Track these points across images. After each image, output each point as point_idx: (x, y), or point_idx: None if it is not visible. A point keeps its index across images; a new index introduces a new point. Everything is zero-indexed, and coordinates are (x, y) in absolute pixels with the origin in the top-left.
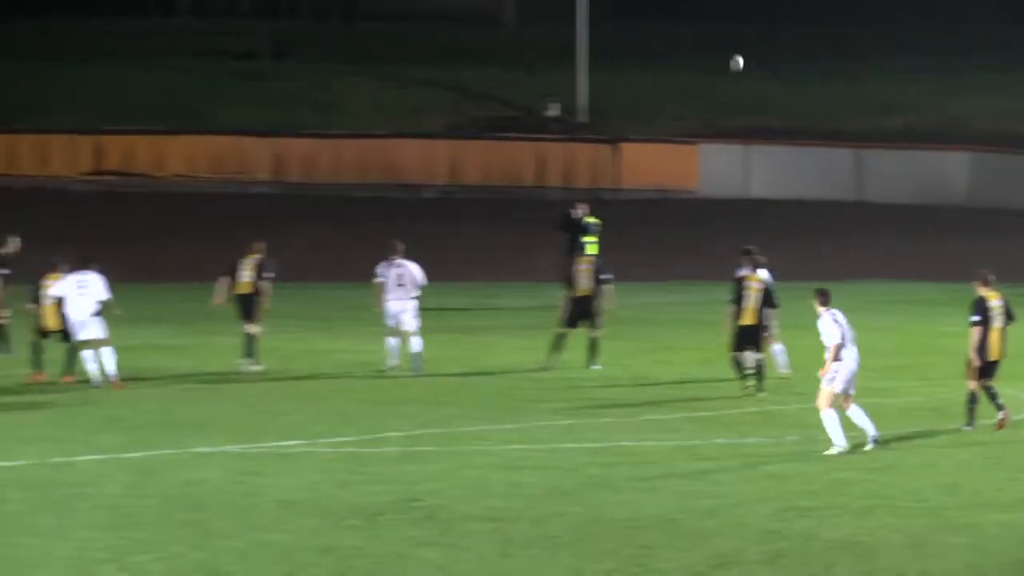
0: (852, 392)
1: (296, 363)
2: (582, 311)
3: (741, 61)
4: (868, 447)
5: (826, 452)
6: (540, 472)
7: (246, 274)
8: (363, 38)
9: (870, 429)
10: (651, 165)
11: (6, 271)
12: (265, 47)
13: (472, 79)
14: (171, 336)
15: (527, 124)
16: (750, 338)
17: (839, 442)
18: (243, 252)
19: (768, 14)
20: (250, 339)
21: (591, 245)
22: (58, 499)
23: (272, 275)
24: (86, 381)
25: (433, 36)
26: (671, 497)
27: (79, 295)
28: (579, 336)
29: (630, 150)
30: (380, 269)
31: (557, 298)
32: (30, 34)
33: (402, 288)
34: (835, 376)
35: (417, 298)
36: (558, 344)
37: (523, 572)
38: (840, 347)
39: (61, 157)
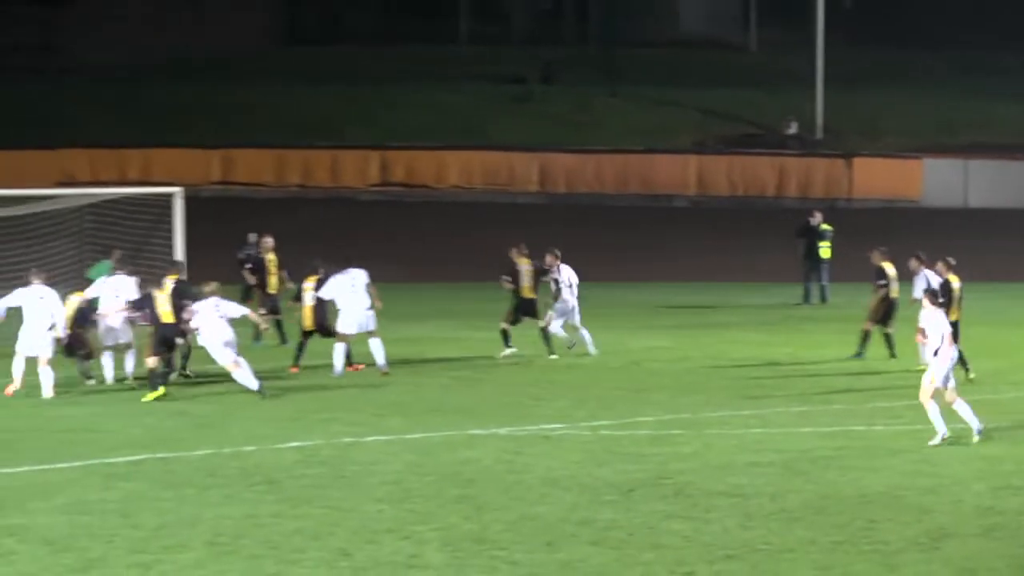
0: (952, 385)
1: (559, 354)
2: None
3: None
4: (974, 439)
5: (930, 442)
6: (777, 453)
7: (526, 278)
8: (620, 64)
9: (975, 424)
10: (880, 178)
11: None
12: (534, 72)
13: (718, 100)
14: (447, 329)
15: (768, 141)
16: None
17: (941, 430)
18: (517, 257)
19: (990, 38)
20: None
21: (824, 249)
22: (347, 475)
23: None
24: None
25: (683, 61)
26: (895, 476)
27: (351, 292)
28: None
29: (861, 164)
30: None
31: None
32: (328, 61)
33: (570, 288)
34: (937, 369)
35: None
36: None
37: (762, 542)
38: (942, 341)
39: (352, 170)
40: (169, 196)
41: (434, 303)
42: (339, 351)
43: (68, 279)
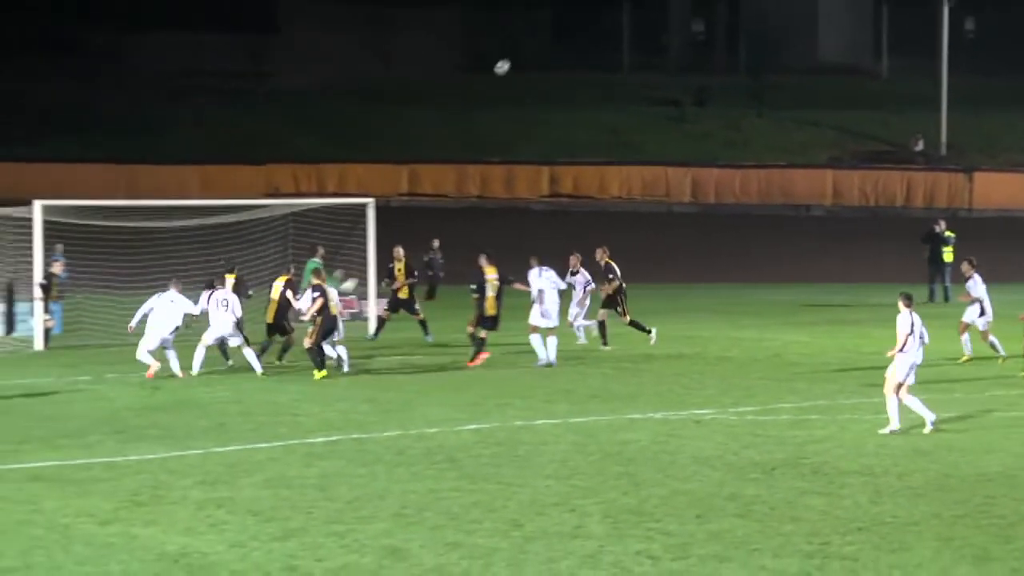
0: (911, 383)
1: (709, 347)
2: None
3: (505, 67)
4: (926, 430)
5: (880, 430)
6: (904, 436)
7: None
8: (765, 88)
9: (928, 418)
10: (997, 190)
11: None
12: (688, 96)
13: (852, 120)
14: (609, 325)
15: (897, 157)
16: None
17: (896, 421)
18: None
19: None
20: None
21: (947, 254)
22: (519, 454)
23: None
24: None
25: (821, 86)
26: (1010, 457)
27: (550, 289)
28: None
29: (981, 178)
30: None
31: None
32: (503, 87)
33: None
34: (899, 365)
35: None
36: None
37: (889, 516)
38: (906, 342)
39: (524, 183)
40: (362, 206)
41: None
42: (537, 341)
43: (273, 276)
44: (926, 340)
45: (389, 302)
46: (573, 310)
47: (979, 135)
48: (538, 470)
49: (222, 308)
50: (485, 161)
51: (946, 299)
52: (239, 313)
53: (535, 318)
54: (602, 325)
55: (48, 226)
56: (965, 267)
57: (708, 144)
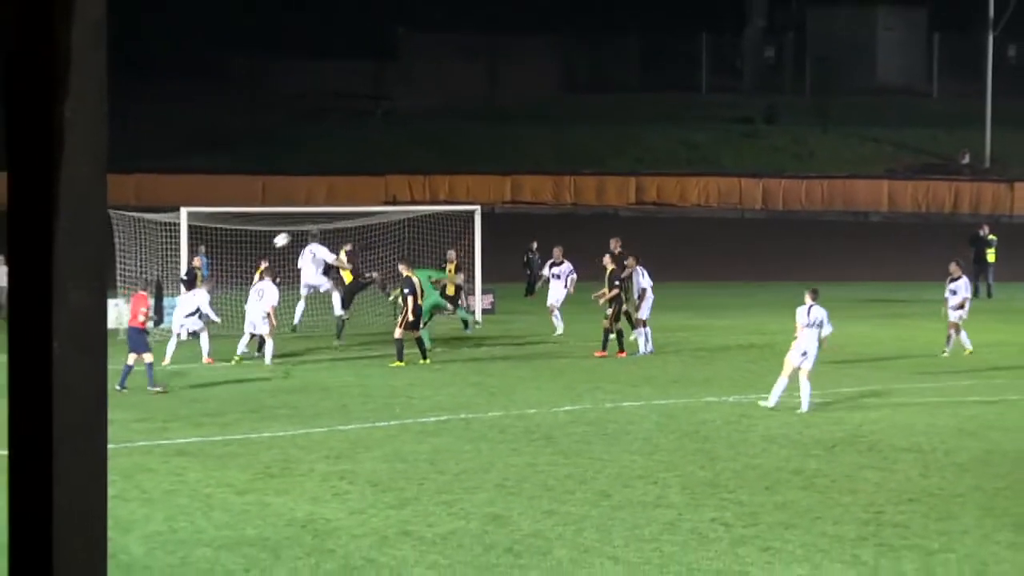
0: (807, 367)
1: (777, 338)
2: None
3: (283, 239)
4: (802, 410)
5: (761, 403)
6: (951, 417)
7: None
8: (829, 107)
9: (804, 403)
10: None
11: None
12: (759, 114)
13: (907, 136)
14: (690, 318)
15: (946, 169)
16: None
17: (772, 399)
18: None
19: None
20: None
21: (991, 255)
22: (608, 433)
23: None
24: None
25: (879, 105)
26: None
27: (650, 286)
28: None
29: (1021, 188)
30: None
31: None
32: (596, 106)
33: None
34: (793, 351)
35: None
36: None
37: (937, 488)
38: (801, 331)
39: (614, 192)
40: (470, 212)
41: (679, 298)
42: (644, 334)
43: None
44: (826, 330)
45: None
46: (556, 297)
47: (1020, 150)
48: (624, 446)
49: (256, 297)
50: (579, 172)
51: (989, 295)
52: (274, 302)
53: (644, 313)
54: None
55: (192, 230)
56: (953, 268)
57: (777, 157)
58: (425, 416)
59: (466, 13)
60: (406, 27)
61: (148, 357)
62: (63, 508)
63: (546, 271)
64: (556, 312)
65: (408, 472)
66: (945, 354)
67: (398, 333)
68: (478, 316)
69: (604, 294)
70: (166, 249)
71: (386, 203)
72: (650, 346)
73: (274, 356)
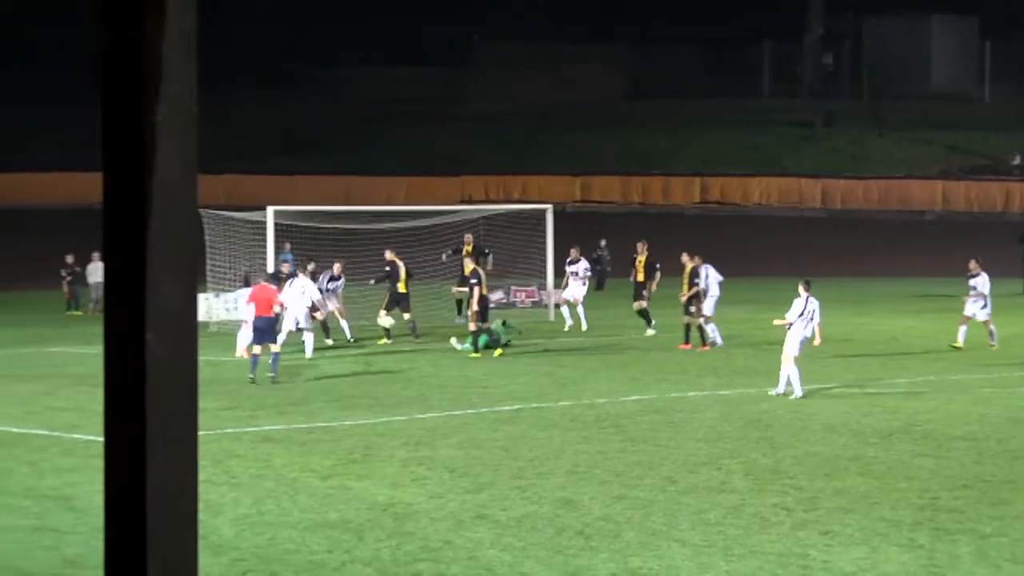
0: (795, 354)
1: (835, 331)
2: None
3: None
4: (793, 396)
5: (788, 395)
6: (1003, 407)
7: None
8: (885, 111)
9: (781, 386)
10: None
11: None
12: (819, 118)
13: (959, 139)
14: (752, 312)
15: (997, 170)
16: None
17: (797, 390)
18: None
19: None
20: None
21: None
22: (674, 421)
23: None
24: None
25: (932, 109)
26: None
27: (717, 283)
28: None
29: None
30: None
31: None
32: (662, 110)
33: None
34: (791, 339)
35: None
36: None
37: (990, 475)
38: (794, 321)
39: (679, 192)
40: (542, 211)
41: (742, 292)
42: (712, 328)
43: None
44: (816, 320)
45: (460, 281)
46: (574, 294)
47: None
48: (690, 434)
49: (298, 292)
50: (646, 173)
51: None
52: (316, 297)
53: (709, 309)
54: (700, 328)
55: (279, 228)
56: (973, 265)
57: (836, 159)
58: (500, 405)
59: (537, 22)
60: (480, 35)
61: (275, 347)
62: (156, 492)
63: (567, 268)
64: (579, 308)
65: (484, 458)
66: (994, 346)
67: (472, 326)
68: (551, 313)
69: (684, 292)
70: (253, 246)
71: (462, 202)
72: (718, 339)
73: (314, 349)
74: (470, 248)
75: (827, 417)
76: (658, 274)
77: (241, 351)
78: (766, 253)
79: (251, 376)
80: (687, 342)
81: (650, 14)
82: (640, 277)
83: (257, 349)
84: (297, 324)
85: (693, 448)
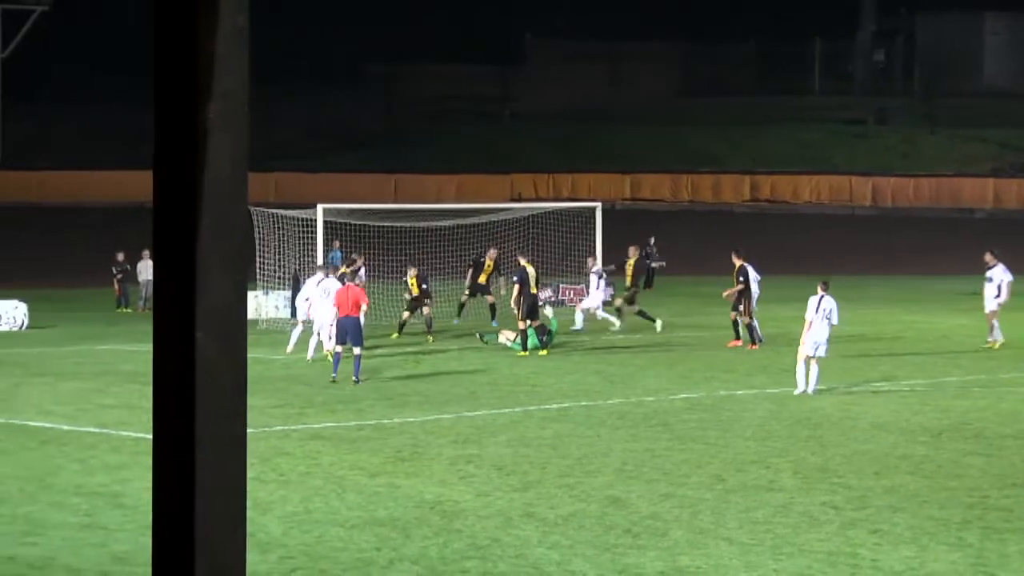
0: (819, 355)
1: (886, 329)
2: None
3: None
4: (809, 392)
5: (795, 392)
6: None
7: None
8: (937, 108)
9: (812, 385)
10: None
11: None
12: (870, 115)
13: (1012, 136)
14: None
15: None
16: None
17: (800, 386)
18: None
19: None
20: None
21: None
22: (722, 419)
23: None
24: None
25: (984, 106)
26: None
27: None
28: None
29: None
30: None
31: None
32: (713, 108)
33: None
34: (807, 340)
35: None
36: None
37: None
38: (812, 321)
39: (729, 190)
40: (591, 209)
41: (787, 290)
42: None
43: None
44: (834, 321)
45: (469, 287)
46: (593, 303)
47: None
48: (738, 432)
49: (322, 295)
50: (696, 171)
51: None
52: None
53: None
54: (749, 327)
55: (328, 225)
56: (988, 257)
57: (887, 156)
58: (548, 403)
59: (589, 20)
60: (532, 33)
61: (357, 350)
62: (205, 489)
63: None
64: (599, 313)
65: (531, 456)
66: (991, 343)
67: (521, 324)
68: (600, 310)
69: (732, 290)
70: (303, 244)
71: (512, 200)
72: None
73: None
74: (491, 263)
75: (876, 415)
76: (655, 266)
77: (291, 348)
78: (816, 251)
79: (333, 376)
80: (737, 339)
81: (702, 12)
82: (628, 281)
83: (339, 348)
84: (321, 327)
85: (741, 446)
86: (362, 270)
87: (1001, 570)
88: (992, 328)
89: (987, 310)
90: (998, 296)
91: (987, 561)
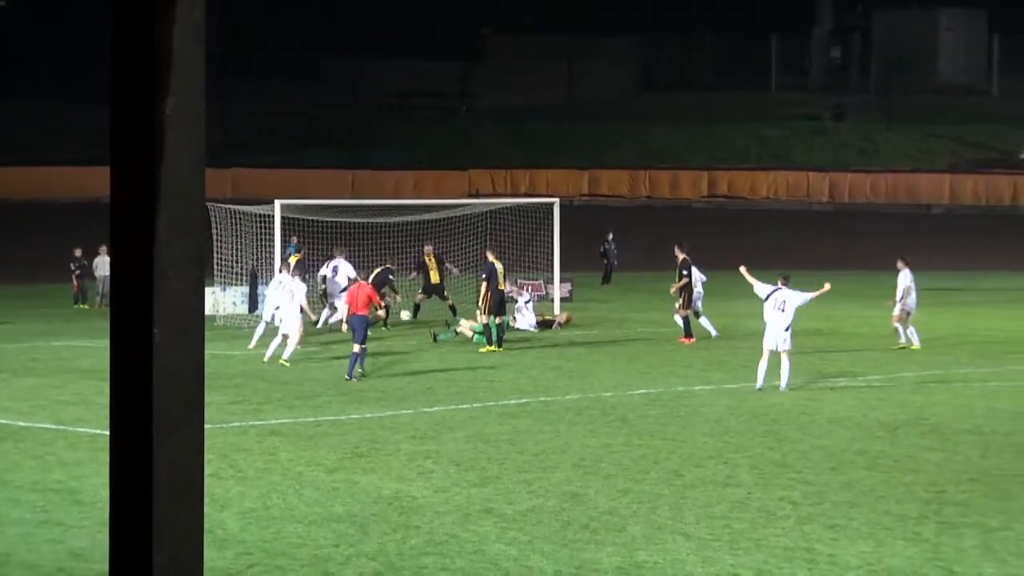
0: (784, 349)
1: (843, 325)
2: None
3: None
4: (781, 388)
5: (756, 387)
6: (1009, 400)
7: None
8: (893, 105)
9: (783, 381)
10: None
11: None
12: (827, 112)
13: (967, 132)
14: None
15: (1006, 163)
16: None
17: (760, 382)
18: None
19: None
20: None
21: None
22: (680, 415)
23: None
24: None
25: (941, 103)
26: None
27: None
28: None
29: None
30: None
31: None
32: (671, 105)
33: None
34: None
35: None
36: None
37: (996, 469)
38: (767, 316)
39: (687, 186)
40: (549, 205)
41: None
42: (704, 320)
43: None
44: (791, 317)
45: (423, 288)
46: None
47: None
48: (696, 428)
49: (287, 299)
50: (654, 167)
51: None
52: (304, 301)
53: (695, 304)
54: (685, 319)
55: (286, 221)
56: (900, 264)
57: (844, 152)
58: (506, 399)
59: (548, 16)
60: (491, 29)
61: (357, 347)
62: (162, 485)
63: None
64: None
65: (489, 452)
66: (900, 344)
67: (485, 319)
68: (556, 305)
69: (675, 285)
70: (261, 240)
71: (469, 196)
72: (713, 330)
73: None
74: (431, 258)
75: (833, 411)
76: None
77: (254, 344)
78: (773, 247)
79: (360, 371)
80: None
81: (660, 8)
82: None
83: (357, 348)
84: (275, 318)
85: (699, 442)
86: (346, 264)
87: (957, 564)
88: (898, 331)
89: (897, 313)
90: (903, 299)
91: (944, 556)
